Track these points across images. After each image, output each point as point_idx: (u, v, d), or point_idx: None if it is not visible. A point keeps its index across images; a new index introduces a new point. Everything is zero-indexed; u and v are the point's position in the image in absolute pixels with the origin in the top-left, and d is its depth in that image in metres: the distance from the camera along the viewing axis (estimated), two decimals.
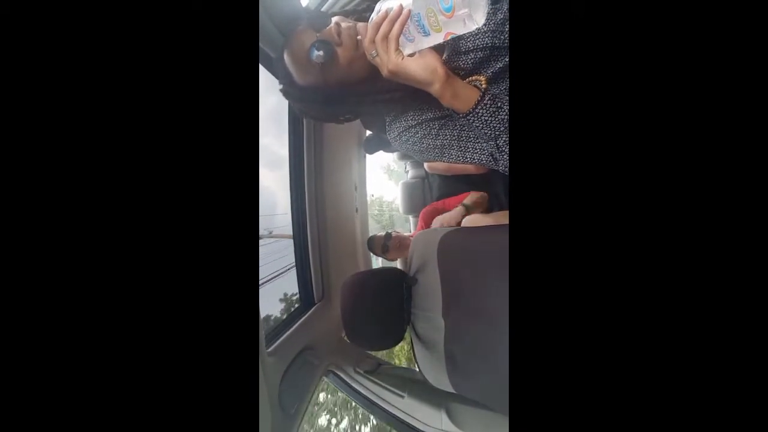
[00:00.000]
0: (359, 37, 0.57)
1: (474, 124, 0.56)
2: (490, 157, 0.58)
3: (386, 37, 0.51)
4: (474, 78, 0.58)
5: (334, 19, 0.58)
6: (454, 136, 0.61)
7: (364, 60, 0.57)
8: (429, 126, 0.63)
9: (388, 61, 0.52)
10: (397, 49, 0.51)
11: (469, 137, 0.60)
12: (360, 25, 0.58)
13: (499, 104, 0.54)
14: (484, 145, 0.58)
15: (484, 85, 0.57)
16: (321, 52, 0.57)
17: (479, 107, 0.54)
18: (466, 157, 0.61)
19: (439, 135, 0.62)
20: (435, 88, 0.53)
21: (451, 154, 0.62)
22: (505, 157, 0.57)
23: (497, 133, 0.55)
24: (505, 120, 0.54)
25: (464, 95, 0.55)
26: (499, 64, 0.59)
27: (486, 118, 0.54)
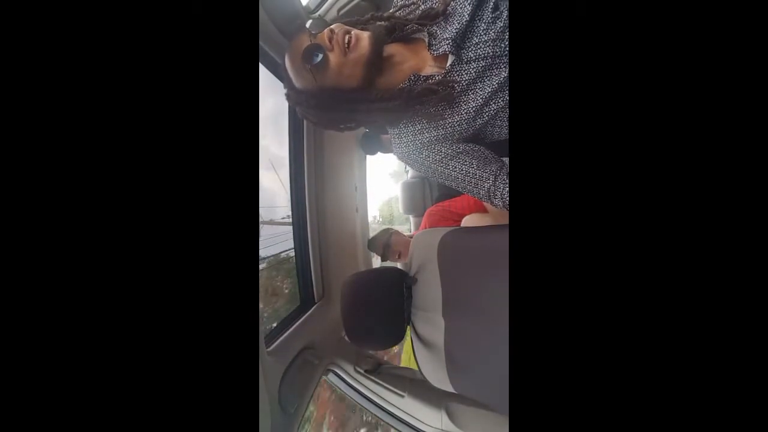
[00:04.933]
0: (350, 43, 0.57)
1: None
2: (487, 197, 0.63)
3: None
4: None
5: (332, 25, 0.59)
6: (462, 170, 0.64)
7: (356, 66, 0.58)
8: (437, 154, 0.65)
9: None
10: None
11: (469, 176, 0.63)
12: (355, 31, 0.58)
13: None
14: (485, 184, 0.62)
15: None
16: (312, 57, 0.58)
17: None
18: (466, 190, 0.65)
19: (448, 167, 0.64)
20: None
21: (452, 185, 0.66)
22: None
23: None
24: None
25: None
26: (503, 74, 0.59)
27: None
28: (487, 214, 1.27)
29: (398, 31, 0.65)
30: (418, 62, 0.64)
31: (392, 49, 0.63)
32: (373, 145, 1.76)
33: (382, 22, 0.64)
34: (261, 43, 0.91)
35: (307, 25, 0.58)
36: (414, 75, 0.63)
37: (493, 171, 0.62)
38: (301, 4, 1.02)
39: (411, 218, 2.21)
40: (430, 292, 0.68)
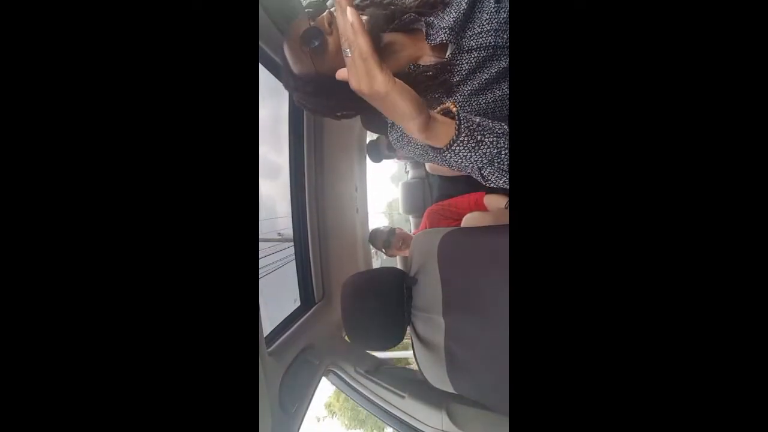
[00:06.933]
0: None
1: (452, 160, 0.51)
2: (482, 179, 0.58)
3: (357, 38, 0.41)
4: (445, 107, 0.51)
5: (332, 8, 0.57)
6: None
7: None
8: None
9: (371, 81, 0.43)
10: (382, 67, 0.42)
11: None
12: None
13: (479, 138, 0.50)
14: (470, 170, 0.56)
15: (457, 120, 0.50)
16: (311, 40, 0.56)
17: (456, 145, 0.50)
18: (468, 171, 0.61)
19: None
20: (415, 123, 0.46)
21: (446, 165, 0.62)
22: (491, 184, 0.56)
23: (480, 165, 0.52)
24: (487, 153, 0.50)
25: (441, 131, 0.49)
26: (503, 64, 0.59)
27: (465, 153, 0.51)
28: (488, 213, 1.28)
29: (396, 20, 0.64)
30: (416, 51, 0.64)
31: (390, 37, 0.62)
32: (379, 153, 1.77)
33: (381, 10, 0.63)
34: (261, 43, 0.91)
35: (305, 6, 0.57)
36: (413, 65, 0.62)
37: (472, 167, 0.58)
38: (301, 4, 1.02)
39: (411, 219, 2.21)
40: (430, 293, 0.69)
